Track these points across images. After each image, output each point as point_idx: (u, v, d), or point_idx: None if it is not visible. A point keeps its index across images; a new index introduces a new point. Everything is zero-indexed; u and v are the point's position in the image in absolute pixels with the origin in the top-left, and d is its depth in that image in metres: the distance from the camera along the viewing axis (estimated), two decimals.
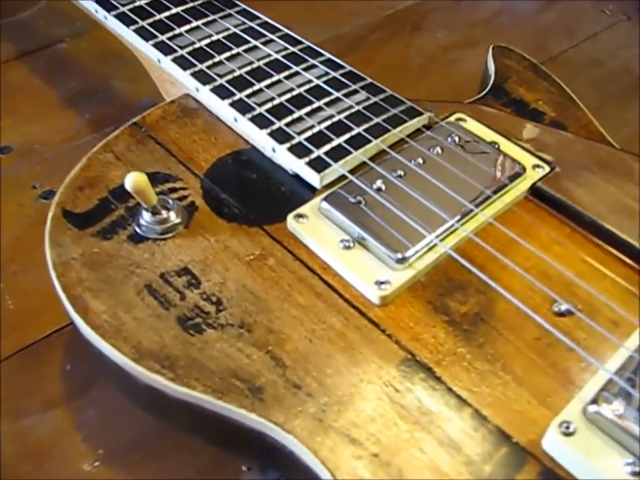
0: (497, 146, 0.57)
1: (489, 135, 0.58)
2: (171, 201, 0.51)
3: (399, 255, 0.47)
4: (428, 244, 0.48)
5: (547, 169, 0.55)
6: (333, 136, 0.55)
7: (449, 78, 0.92)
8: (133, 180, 0.47)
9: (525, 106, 0.65)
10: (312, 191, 0.53)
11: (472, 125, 0.59)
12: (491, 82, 0.67)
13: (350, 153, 0.54)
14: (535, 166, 0.55)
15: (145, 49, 0.65)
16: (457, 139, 0.56)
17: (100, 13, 0.69)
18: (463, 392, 0.42)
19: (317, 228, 0.50)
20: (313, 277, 0.48)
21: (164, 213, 0.50)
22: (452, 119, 0.60)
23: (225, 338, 0.44)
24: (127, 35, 0.66)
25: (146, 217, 0.50)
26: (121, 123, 0.59)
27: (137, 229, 0.50)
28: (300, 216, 0.51)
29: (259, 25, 0.66)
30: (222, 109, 0.58)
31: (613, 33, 1.06)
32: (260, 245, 0.50)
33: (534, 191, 0.54)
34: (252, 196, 0.53)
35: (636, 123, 0.87)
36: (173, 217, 0.50)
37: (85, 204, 0.52)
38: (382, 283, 0.46)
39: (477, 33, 1.03)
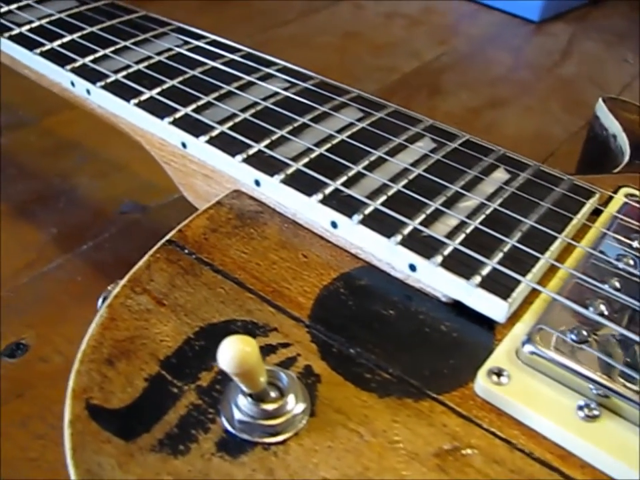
0: None
1: None
2: (284, 376, 0.30)
3: None
4: None
5: None
6: (499, 236, 0.35)
7: (497, 144, 0.75)
8: (240, 354, 0.26)
9: None
10: (488, 327, 0.34)
11: None
12: (627, 143, 0.50)
13: (535, 258, 0.34)
14: None
15: (160, 131, 0.44)
16: None
17: (79, 87, 0.49)
18: None
19: (529, 390, 0.30)
20: (551, 475, 0.28)
21: (274, 397, 0.29)
22: (620, 195, 0.42)
23: None
24: (127, 112, 0.46)
25: (245, 406, 0.29)
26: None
27: (230, 428, 0.29)
28: (497, 373, 0.31)
29: (314, 85, 0.47)
30: (308, 209, 0.38)
31: None
32: (447, 432, 0.29)
33: None
34: (399, 346, 0.33)
35: None
36: (292, 403, 0.29)
37: (125, 390, 0.31)
38: None
39: (503, 91, 0.88)
